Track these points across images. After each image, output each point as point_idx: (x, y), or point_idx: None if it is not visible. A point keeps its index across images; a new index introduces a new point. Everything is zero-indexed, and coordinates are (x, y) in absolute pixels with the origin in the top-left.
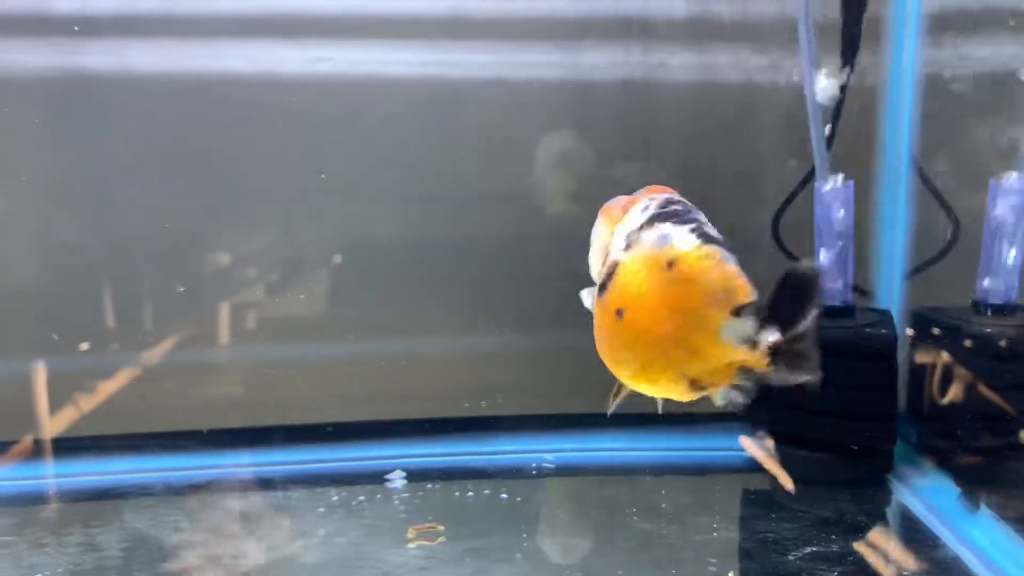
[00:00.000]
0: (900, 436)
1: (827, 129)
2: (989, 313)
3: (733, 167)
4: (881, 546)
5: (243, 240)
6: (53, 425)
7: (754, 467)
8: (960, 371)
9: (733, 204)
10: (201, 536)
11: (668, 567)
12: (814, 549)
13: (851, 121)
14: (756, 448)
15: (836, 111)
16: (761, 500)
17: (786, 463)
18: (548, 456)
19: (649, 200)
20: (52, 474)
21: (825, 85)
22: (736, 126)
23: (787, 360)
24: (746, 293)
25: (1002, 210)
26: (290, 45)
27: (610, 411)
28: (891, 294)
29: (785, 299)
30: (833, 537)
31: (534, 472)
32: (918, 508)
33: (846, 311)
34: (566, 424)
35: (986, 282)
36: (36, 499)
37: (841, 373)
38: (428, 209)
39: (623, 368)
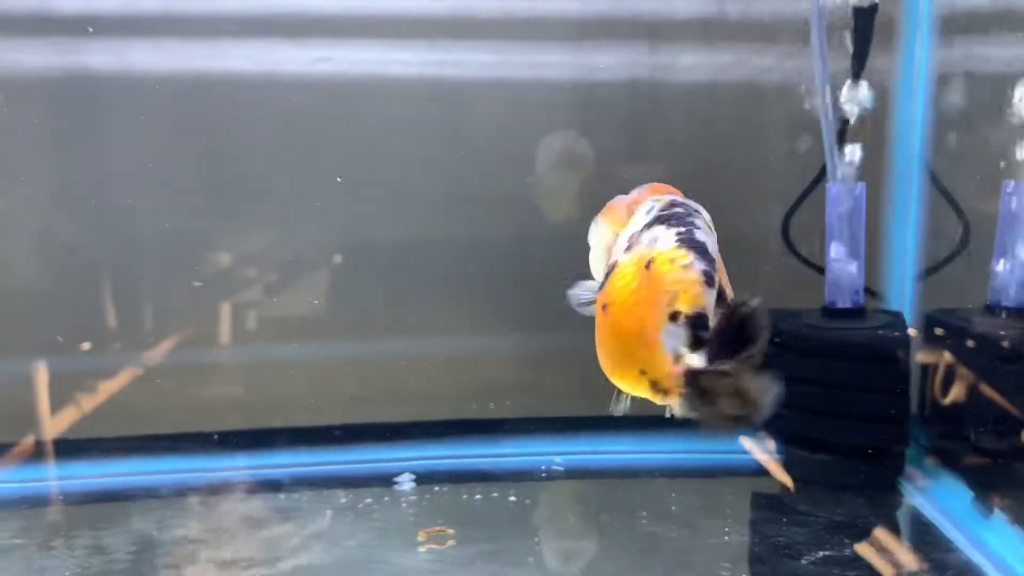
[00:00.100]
0: (912, 439)
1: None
2: (1003, 315)
3: (741, 168)
4: (894, 550)
5: (246, 240)
6: (60, 427)
7: (764, 470)
8: (973, 374)
9: (740, 205)
10: (208, 539)
11: (680, 571)
12: (827, 553)
13: (862, 122)
14: (757, 448)
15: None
16: (772, 503)
17: (797, 466)
18: (557, 459)
19: (654, 202)
20: (59, 476)
21: (853, 95)
22: (744, 126)
23: (699, 394)
24: (687, 302)
25: (1017, 211)
26: (291, 45)
27: (614, 412)
28: (903, 296)
29: (726, 332)
30: (846, 541)
31: (543, 475)
32: (930, 512)
33: (857, 313)
34: (575, 426)
35: (999, 284)
36: (44, 501)
37: (853, 375)
38: (435, 209)
39: (605, 364)
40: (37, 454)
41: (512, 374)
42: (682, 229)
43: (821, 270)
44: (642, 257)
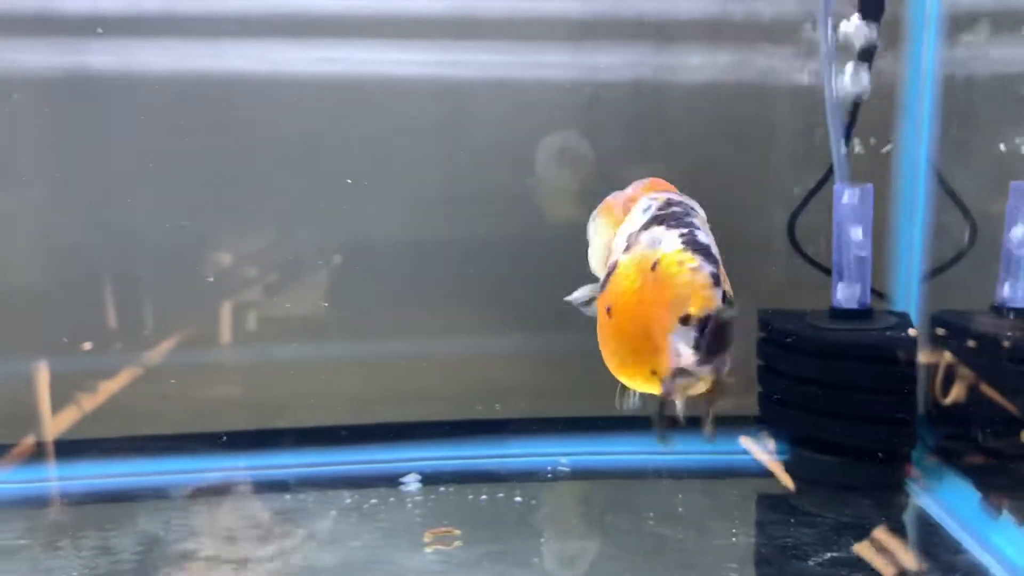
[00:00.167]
0: (919, 440)
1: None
2: (1011, 316)
3: (746, 168)
4: (902, 552)
5: (251, 240)
6: (66, 427)
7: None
8: (981, 374)
9: (746, 206)
10: (215, 540)
11: (687, 572)
12: (834, 554)
13: (869, 121)
14: (757, 448)
15: (853, 112)
16: (779, 504)
17: (804, 466)
18: (563, 459)
19: (651, 200)
20: (65, 476)
21: (854, 74)
22: (749, 127)
23: (676, 387)
24: (699, 305)
25: None
26: (295, 45)
27: (622, 409)
28: (909, 297)
29: (705, 338)
30: (853, 542)
31: (549, 475)
32: (938, 513)
33: (864, 314)
34: (581, 427)
35: (1007, 285)
36: (49, 502)
37: (860, 376)
38: (440, 209)
39: (610, 362)
40: (42, 454)
41: (518, 374)
42: (684, 231)
43: (827, 270)
44: (644, 258)
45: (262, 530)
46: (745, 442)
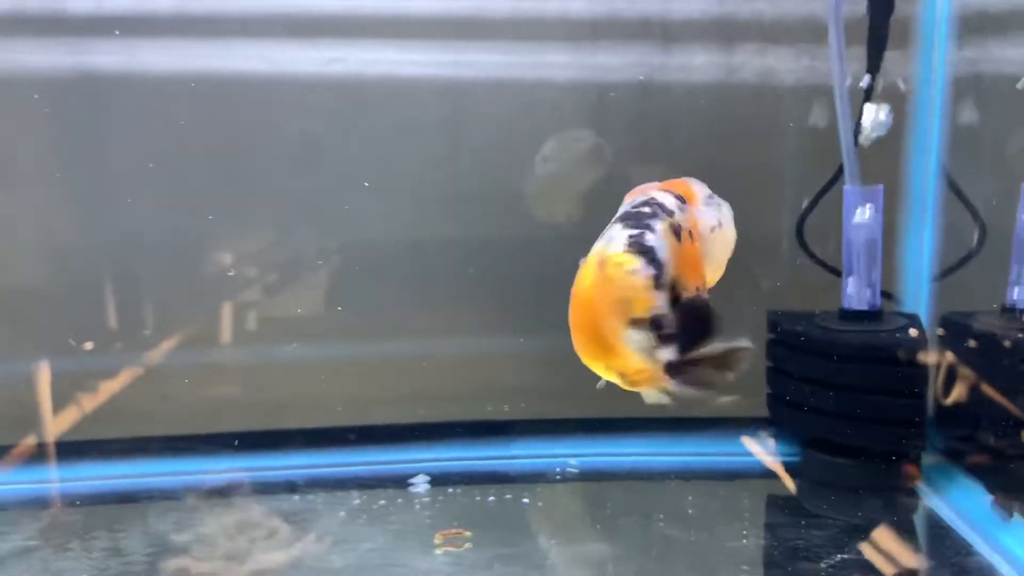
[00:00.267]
0: (929, 442)
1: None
2: (1021, 317)
3: (752, 169)
4: (912, 554)
5: (255, 241)
6: (73, 428)
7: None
8: (990, 376)
9: (752, 207)
10: (225, 541)
11: (699, 575)
12: (846, 556)
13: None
14: (758, 447)
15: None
16: (789, 506)
17: (813, 468)
18: (572, 460)
19: (643, 196)
20: (74, 477)
21: (875, 117)
22: (756, 128)
23: (686, 379)
24: (643, 308)
25: None
26: (303, 45)
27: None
28: (918, 298)
29: (684, 325)
30: (864, 544)
31: (558, 477)
32: (948, 515)
33: (874, 315)
34: (590, 428)
35: (1017, 287)
36: (58, 503)
37: (869, 378)
38: (448, 209)
39: (576, 348)
40: (49, 455)
41: (526, 375)
42: (635, 232)
43: (836, 271)
44: (598, 255)
45: (272, 532)
46: (746, 442)
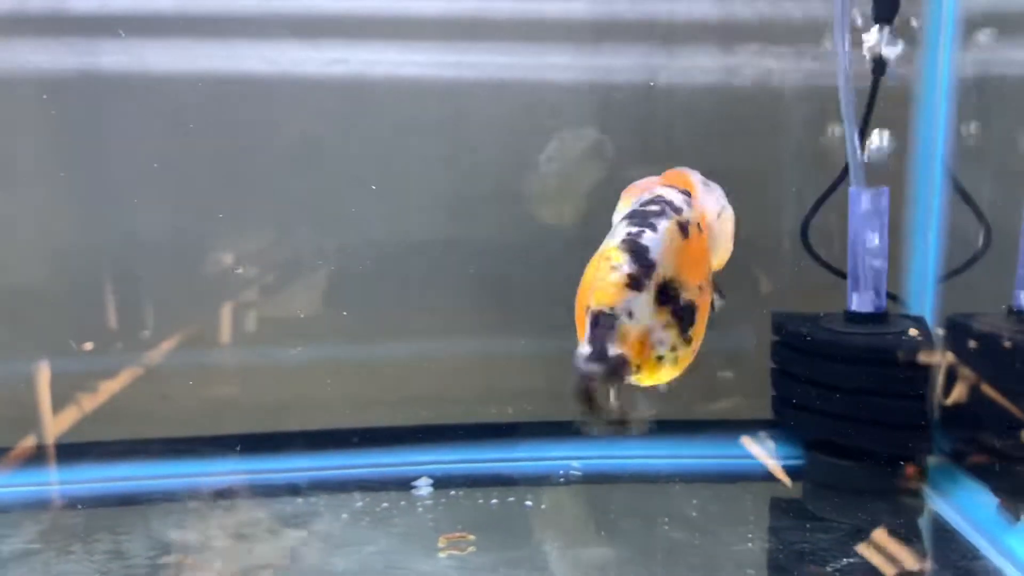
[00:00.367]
0: (935, 445)
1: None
2: None
3: (756, 170)
4: (917, 558)
5: (256, 241)
6: (75, 429)
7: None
8: (996, 378)
9: (756, 208)
10: (227, 543)
11: None
12: (851, 560)
13: (884, 124)
14: (757, 447)
15: (867, 113)
16: (794, 509)
17: (818, 470)
18: (575, 463)
19: (651, 194)
20: (76, 480)
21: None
22: (760, 129)
23: (575, 385)
24: (597, 300)
25: None
26: (306, 46)
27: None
28: (924, 300)
29: (592, 332)
30: (869, 548)
31: (561, 479)
32: (954, 518)
33: (879, 317)
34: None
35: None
36: (60, 505)
37: (875, 380)
38: (451, 210)
39: None
40: (52, 457)
41: (530, 377)
42: (635, 229)
43: (841, 273)
44: (602, 246)
45: (275, 534)
46: (746, 443)
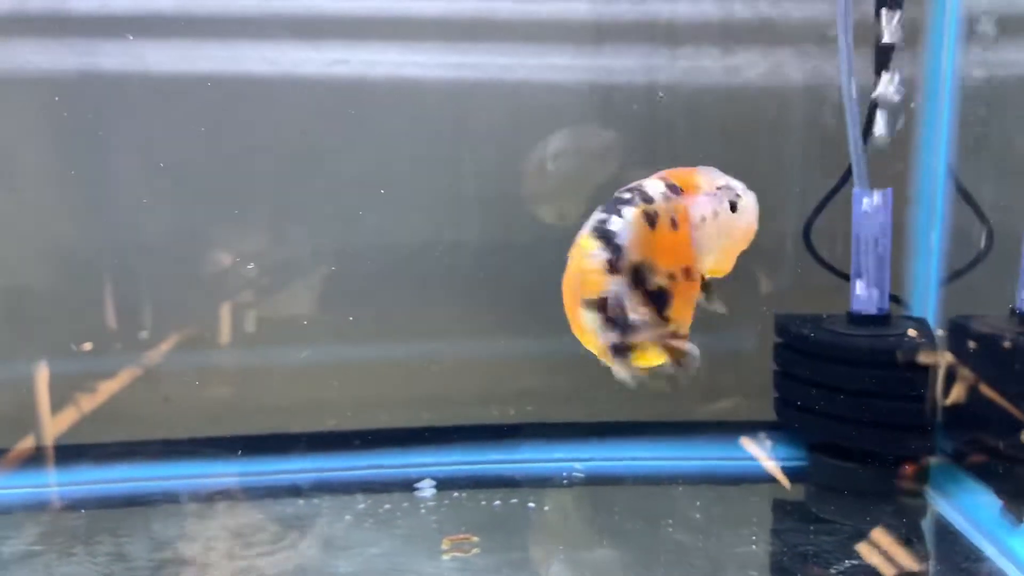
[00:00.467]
0: (938, 446)
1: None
2: None
3: (757, 171)
4: (921, 560)
5: (258, 242)
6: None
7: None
8: (999, 380)
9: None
10: (230, 545)
11: None
12: (854, 562)
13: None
14: (755, 448)
15: (870, 114)
16: (798, 511)
17: (822, 472)
18: (578, 465)
19: (633, 184)
20: (77, 481)
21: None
22: (762, 130)
23: (624, 364)
24: (589, 291)
25: None
26: (307, 47)
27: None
28: (926, 302)
29: (612, 314)
30: (873, 550)
31: (564, 481)
32: (958, 520)
33: (882, 319)
34: (597, 432)
35: None
36: (62, 507)
37: (878, 382)
38: (452, 211)
39: None
40: (54, 459)
41: (533, 379)
42: (603, 216)
43: (843, 275)
44: (578, 235)
45: (277, 536)
46: (745, 443)
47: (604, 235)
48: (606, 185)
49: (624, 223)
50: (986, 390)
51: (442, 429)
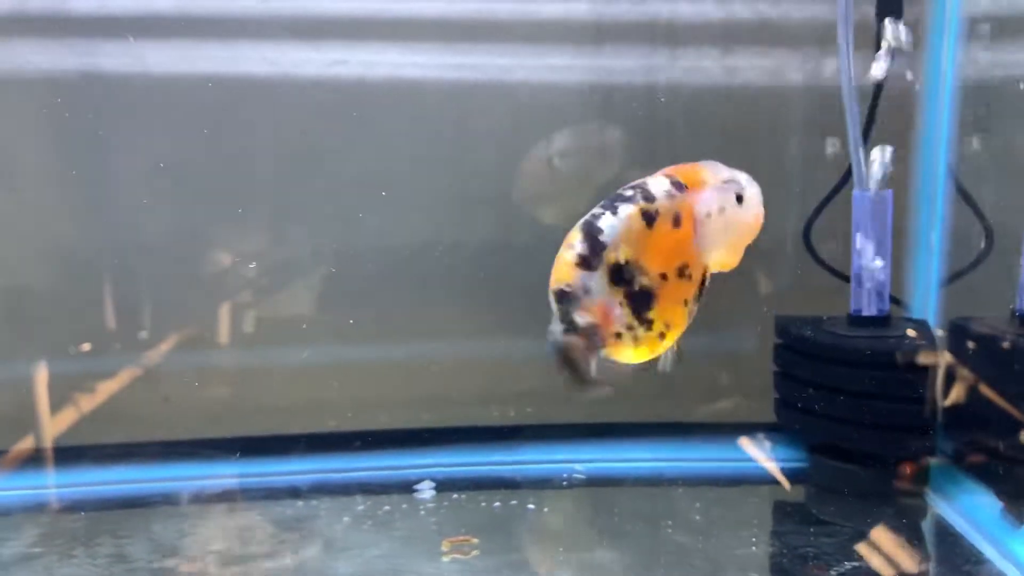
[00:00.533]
0: (939, 448)
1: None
2: None
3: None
4: (921, 562)
5: (258, 243)
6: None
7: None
8: (1000, 382)
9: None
10: (229, 547)
11: None
12: (855, 564)
13: (887, 127)
14: (756, 449)
15: (870, 114)
16: (798, 513)
17: (822, 474)
18: (578, 466)
19: (639, 180)
20: (77, 483)
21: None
22: (762, 130)
23: (558, 359)
24: (555, 279)
25: None
26: (307, 47)
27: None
28: (927, 303)
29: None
30: (873, 552)
31: (564, 483)
32: (958, 522)
33: (882, 321)
34: (596, 433)
35: None
36: (62, 508)
37: (878, 383)
38: (453, 212)
39: None
40: (54, 460)
41: (532, 380)
42: (597, 211)
43: (844, 276)
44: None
45: (276, 537)
46: (745, 444)
47: (590, 230)
48: (606, 185)
49: (615, 221)
50: (986, 391)
51: (442, 430)
